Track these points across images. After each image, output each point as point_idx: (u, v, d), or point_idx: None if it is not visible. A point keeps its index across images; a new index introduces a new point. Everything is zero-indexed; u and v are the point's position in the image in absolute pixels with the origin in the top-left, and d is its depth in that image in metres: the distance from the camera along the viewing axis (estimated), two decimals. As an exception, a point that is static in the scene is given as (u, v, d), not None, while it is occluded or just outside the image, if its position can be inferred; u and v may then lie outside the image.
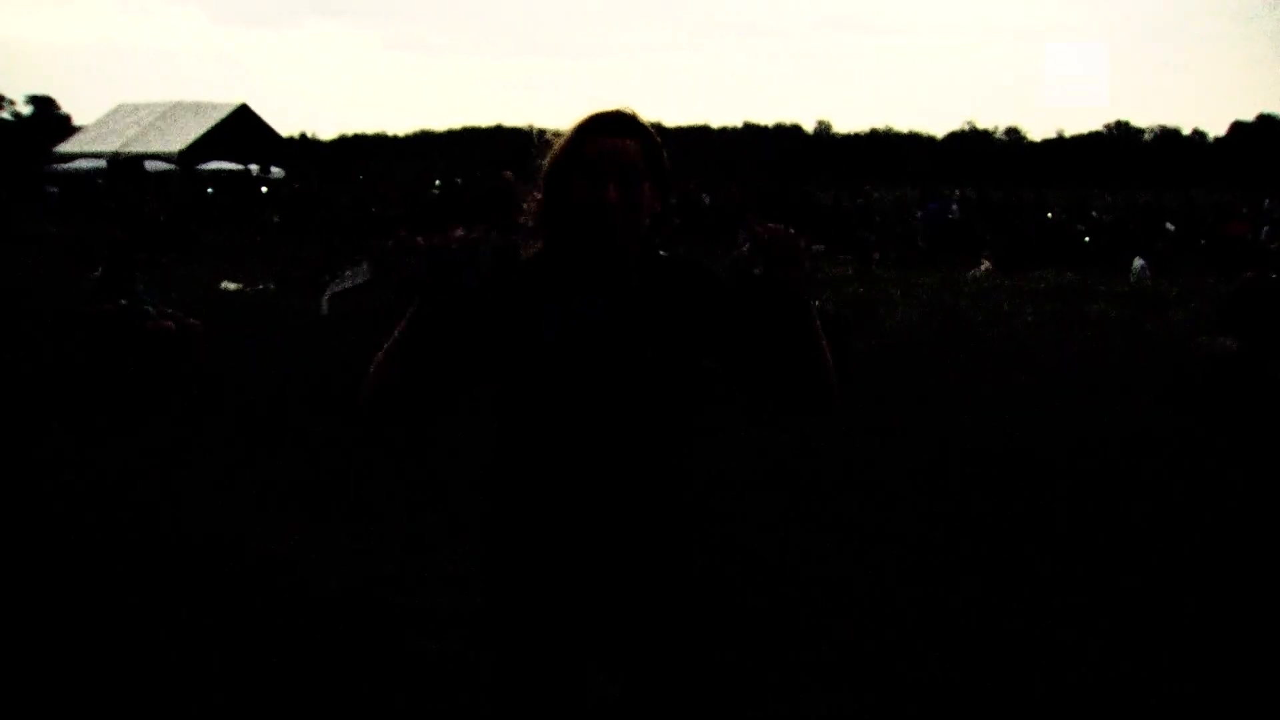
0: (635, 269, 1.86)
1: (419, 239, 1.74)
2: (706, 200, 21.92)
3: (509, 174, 12.28)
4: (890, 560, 4.28)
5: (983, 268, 16.71)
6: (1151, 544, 4.45)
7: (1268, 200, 22.54)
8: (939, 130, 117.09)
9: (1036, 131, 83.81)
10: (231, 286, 12.49)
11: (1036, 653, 3.48)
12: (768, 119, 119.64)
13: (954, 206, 20.37)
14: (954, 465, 5.59)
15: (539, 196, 1.87)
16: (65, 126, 42.11)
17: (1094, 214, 21.13)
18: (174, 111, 29.86)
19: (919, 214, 20.15)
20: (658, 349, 1.83)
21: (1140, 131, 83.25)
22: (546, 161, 1.86)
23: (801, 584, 4.03)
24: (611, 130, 1.82)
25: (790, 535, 4.55)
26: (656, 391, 1.84)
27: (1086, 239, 18.07)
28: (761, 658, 3.40)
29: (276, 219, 21.21)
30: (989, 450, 5.81)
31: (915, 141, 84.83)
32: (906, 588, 4.01)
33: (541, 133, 1.90)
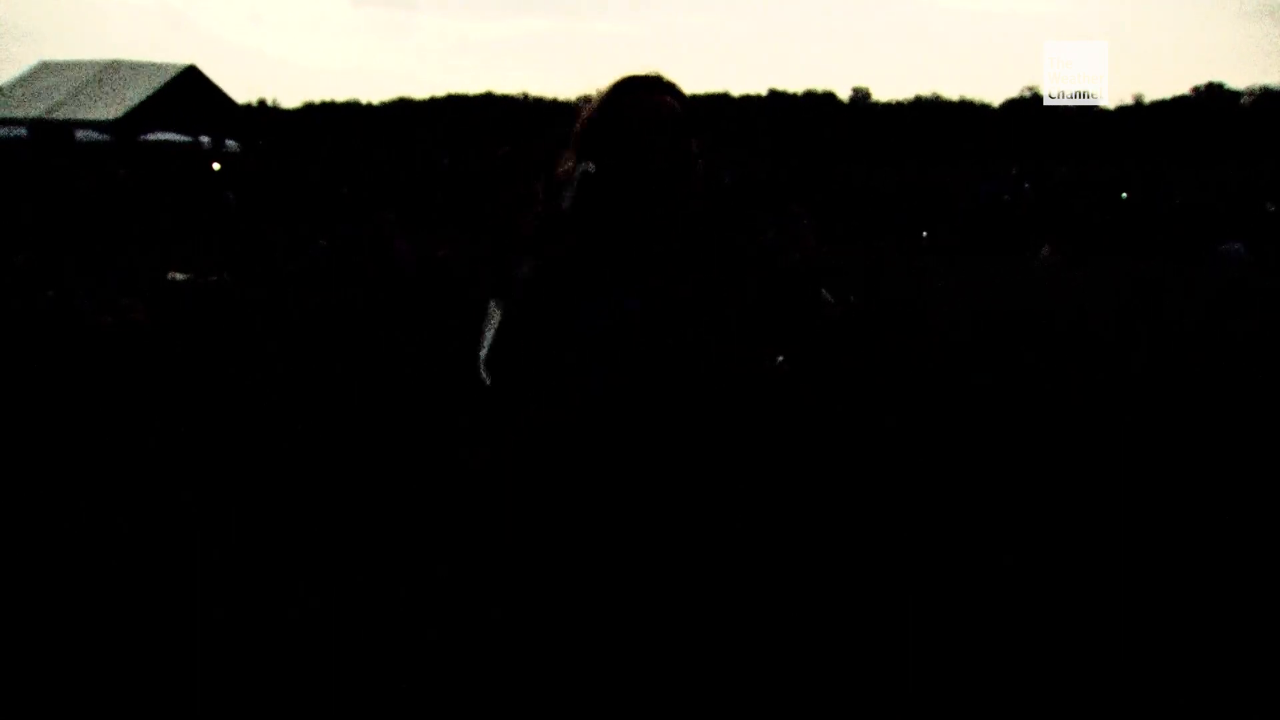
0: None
1: None
2: (727, 180, 21.99)
3: (506, 149, 12.34)
4: (895, 560, 4.44)
5: (1045, 255, 16.73)
6: (1218, 573, 4.46)
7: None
8: (995, 98, 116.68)
9: (1110, 96, 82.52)
10: (180, 277, 12.56)
11: (1042, 654, 3.60)
12: (796, 86, 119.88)
13: (1025, 186, 20.30)
14: (986, 473, 5.63)
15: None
16: (-25, 87, 42.05)
17: (1177, 194, 21.12)
18: (109, 72, 29.34)
19: (978, 192, 20.15)
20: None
21: (1236, 94, 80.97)
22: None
23: (802, 582, 4.17)
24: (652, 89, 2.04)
25: (790, 534, 4.66)
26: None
27: (1168, 222, 18.07)
28: (761, 657, 3.50)
29: (232, 198, 21.31)
30: (1033, 466, 5.83)
31: (967, 111, 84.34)
32: (911, 587, 4.16)
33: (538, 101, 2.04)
